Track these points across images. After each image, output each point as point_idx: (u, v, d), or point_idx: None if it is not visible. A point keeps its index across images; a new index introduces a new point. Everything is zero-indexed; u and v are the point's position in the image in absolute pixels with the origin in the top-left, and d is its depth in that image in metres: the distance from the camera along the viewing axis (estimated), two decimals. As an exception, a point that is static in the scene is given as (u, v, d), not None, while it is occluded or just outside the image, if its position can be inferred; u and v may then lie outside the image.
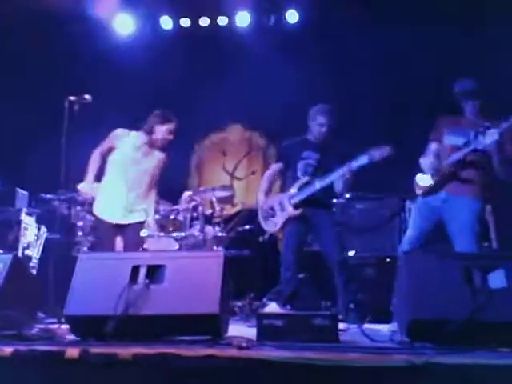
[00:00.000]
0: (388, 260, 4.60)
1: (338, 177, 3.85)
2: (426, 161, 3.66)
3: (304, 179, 3.99)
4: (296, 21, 7.03)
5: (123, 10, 7.05)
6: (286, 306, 3.75)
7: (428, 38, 5.94)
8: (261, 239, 4.12)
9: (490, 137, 3.32)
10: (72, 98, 4.10)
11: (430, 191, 3.61)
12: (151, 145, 4.18)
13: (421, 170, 3.69)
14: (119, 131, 4.18)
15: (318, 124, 4.06)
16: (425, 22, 5.94)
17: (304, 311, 3.20)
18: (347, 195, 4.81)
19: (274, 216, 4.02)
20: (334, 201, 4.67)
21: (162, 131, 4.12)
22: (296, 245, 3.98)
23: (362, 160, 3.77)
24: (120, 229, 4.13)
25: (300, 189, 3.98)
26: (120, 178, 4.12)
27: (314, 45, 6.71)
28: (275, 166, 4.29)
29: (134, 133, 4.21)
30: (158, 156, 4.24)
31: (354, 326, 3.08)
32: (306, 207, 3.95)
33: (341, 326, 2.74)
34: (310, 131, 4.14)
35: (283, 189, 4.27)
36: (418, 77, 5.90)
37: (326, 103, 4.16)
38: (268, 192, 4.20)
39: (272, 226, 4.05)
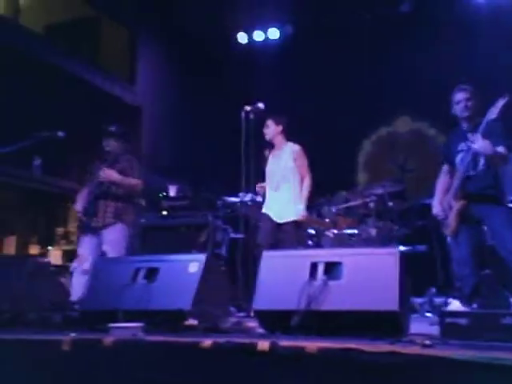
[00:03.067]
0: None
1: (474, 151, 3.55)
2: None
3: (461, 169, 3.71)
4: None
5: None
6: (470, 304, 3.55)
7: None
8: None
9: None
10: (247, 107, 4.47)
11: None
12: None
13: None
14: None
15: (455, 102, 3.80)
16: None
17: (490, 309, 3.04)
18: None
19: (447, 218, 3.78)
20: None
21: None
22: (468, 239, 3.71)
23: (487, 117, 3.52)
24: None
25: (459, 180, 3.72)
26: None
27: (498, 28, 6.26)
28: (443, 169, 4.01)
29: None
30: None
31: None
32: (472, 199, 3.66)
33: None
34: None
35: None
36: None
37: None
38: (442, 200, 3.86)
39: (446, 229, 3.80)
